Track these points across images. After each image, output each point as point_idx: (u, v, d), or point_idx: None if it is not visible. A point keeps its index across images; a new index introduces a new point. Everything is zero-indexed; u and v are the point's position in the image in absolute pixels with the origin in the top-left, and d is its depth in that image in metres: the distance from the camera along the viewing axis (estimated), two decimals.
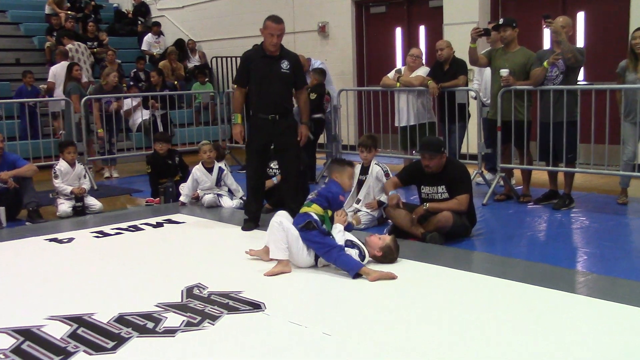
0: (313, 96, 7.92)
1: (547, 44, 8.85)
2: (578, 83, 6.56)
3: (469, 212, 5.27)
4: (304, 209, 4.37)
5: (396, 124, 7.83)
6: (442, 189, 5.20)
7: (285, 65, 5.49)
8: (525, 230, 5.56)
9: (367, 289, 3.93)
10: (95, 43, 13.11)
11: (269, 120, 5.47)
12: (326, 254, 4.19)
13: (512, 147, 6.74)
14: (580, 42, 8.86)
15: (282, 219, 4.34)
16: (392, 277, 4.03)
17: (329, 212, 4.38)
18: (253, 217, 5.68)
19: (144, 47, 13.88)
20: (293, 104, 5.83)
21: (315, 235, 4.22)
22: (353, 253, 4.20)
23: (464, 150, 7.56)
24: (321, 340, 3.15)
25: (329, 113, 8.64)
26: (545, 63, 6.21)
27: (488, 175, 7.47)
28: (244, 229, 5.59)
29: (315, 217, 4.28)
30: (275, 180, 6.54)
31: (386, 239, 4.45)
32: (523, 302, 3.64)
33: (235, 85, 5.74)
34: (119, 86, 9.63)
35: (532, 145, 6.76)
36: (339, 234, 4.29)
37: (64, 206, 6.65)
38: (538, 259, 4.61)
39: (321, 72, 8.35)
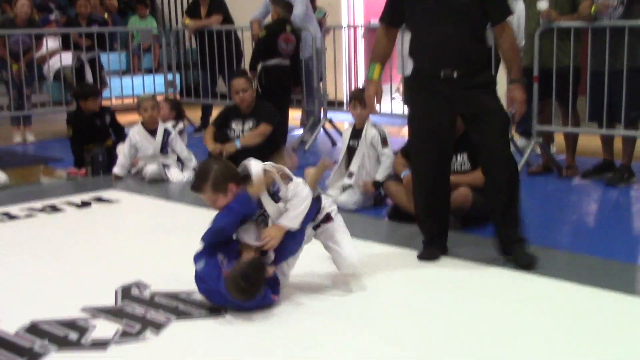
0: (263, 34, 7.91)
1: None
2: None
3: None
4: None
5: (398, 73, 7.80)
6: (463, 157, 5.19)
7: None
8: (570, 214, 5.59)
9: (367, 284, 3.93)
10: None
11: (440, 79, 4.33)
12: None
13: (552, 103, 6.76)
14: None
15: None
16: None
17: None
18: (433, 239, 4.55)
19: None
20: (484, 51, 4.53)
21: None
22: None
23: None
24: (300, 351, 3.17)
25: (309, 59, 8.59)
26: (593, 8, 6.16)
27: (520, 141, 7.48)
28: (421, 257, 4.50)
29: None
30: (238, 144, 6.48)
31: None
32: (567, 306, 3.65)
33: (380, 24, 4.60)
34: (34, 20, 9.45)
35: (580, 101, 6.77)
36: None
37: None
38: (586, 251, 4.62)
39: (285, 5, 8.15)
